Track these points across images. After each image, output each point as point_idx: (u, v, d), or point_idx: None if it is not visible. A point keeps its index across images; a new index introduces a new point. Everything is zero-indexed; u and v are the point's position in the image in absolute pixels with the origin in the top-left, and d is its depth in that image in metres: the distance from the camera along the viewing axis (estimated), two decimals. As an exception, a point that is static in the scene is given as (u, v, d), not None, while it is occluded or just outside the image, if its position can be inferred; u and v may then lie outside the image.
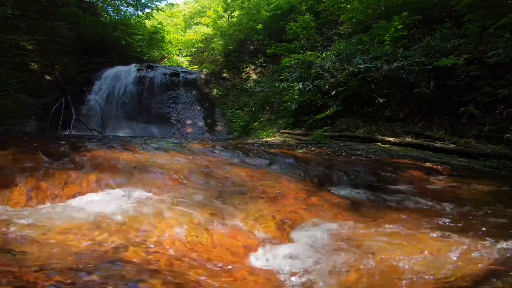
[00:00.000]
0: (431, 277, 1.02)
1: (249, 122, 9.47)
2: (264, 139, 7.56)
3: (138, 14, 13.28)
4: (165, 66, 12.21)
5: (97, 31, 10.55)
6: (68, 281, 0.79)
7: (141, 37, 12.90)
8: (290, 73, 8.44)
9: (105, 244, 1.08)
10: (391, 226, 1.54)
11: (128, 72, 10.09)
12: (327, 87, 6.89)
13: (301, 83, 7.55)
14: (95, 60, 10.43)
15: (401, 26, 6.61)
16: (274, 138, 7.47)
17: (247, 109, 10.29)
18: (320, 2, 10.28)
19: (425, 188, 2.34)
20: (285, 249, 1.27)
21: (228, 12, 13.90)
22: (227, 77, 11.92)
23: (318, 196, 1.97)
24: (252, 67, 11.99)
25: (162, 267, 0.99)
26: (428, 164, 3.22)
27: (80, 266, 0.89)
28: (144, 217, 1.34)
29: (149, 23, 14.45)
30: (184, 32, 18.48)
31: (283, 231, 1.46)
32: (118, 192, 1.66)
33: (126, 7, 12.93)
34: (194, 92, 10.67)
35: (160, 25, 14.43)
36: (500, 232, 1.38)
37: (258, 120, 9.42)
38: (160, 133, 9.12)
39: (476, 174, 3.14)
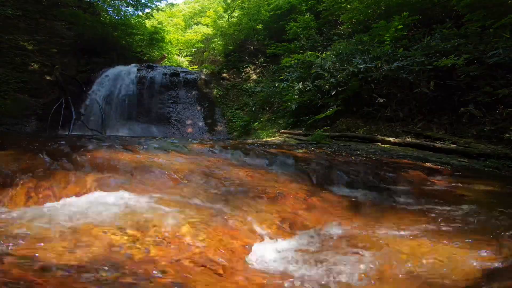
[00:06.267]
0: (431, 278, 1.02)
1: (249, 122, 9.47)
2: (264, 139, 7.56)
3: (138, 14, 13.29)
4: (165, 66, 12.21)
5: (97, 31, 10.56)
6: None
7: (141, 37, 12.91)
8: (290, 73, 8.44)
9: (103, 242, 1.08)
10: (391, 226, 1.54)
11: (128, 72, 10.08)
12: (327, 87, 6.89)
13: (301, 83, 7.55)
14: (95, 60, 10.43)
15: (401, 26, 6.61)
16: (274, 138, 7.47)
17: (247, 109, 10.28)
18: (320, 2, 10.29)
19: (426, 188, 2.33)
20: (284, 248, 1.27)
21: (228, 12, 13.90)
22: (227, 77, 11.92)
23: (318, 196, 1.96)
24: (252, 67, 11.99)
25: (162, 267, 0.98)
26: (428, 164, 3.21)
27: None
28: (144, 217, 1.34)
29: (149, 23, 14.45)
30: (184, 32, 18.48)
31: (283, 231, 1.46)
32: (118, 192, 1.66)
33: (126, 7, 12.95)
34: (194, 92, 10.67)
35: (160, 25, 14.44)
36: (504, 233, 1.38)
37: (258, 120, 9.42)
38: (160, 133, 9.12)
39: (477, 174, 3.14)
